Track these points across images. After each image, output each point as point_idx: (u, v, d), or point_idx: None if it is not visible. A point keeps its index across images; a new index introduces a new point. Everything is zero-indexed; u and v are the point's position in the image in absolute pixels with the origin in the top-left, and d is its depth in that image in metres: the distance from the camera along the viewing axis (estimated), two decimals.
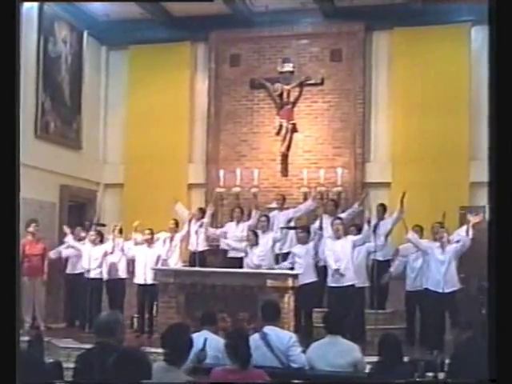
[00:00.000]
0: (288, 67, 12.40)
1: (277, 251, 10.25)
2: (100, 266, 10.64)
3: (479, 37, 11.55)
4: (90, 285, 10.47)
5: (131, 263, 10.82)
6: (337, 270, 9.43)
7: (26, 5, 10.81)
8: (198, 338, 5.38)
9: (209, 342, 5.40)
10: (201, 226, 11.10)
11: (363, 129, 12.21)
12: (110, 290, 10.88)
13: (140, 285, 10.46)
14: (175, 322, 6.89)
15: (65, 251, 11.16)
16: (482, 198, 10.16)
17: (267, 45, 12.74)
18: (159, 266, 10.11)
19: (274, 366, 5.63)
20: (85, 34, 12.78)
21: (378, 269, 9.93)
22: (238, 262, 10.52)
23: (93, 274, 10.53)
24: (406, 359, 5.71)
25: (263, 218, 10.73)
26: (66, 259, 11.27)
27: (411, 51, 11.96)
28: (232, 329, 6.37)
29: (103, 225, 10.97)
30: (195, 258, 10.76)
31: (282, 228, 10.45)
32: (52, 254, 11.02)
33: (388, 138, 12.20)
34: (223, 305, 8.57)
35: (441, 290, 9.14)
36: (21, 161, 3.40)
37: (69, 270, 11.21)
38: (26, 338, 6.40)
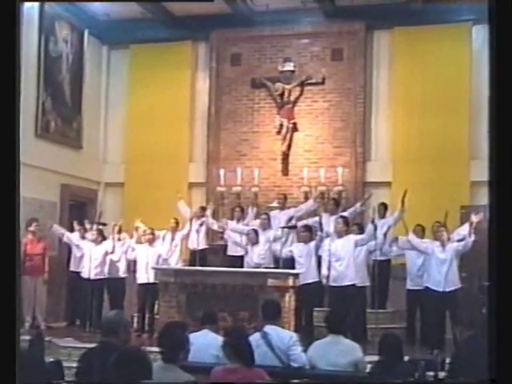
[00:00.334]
0: (289, 66, 12.40)
1: (278, 254, 10.22)
2: (101, 265, 10.64)
3: (480, 36, 11.54)
4: (91, 284, 10.47)
5: (132, 262, 10.83)
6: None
7: (26, 4, 10.81)
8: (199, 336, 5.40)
9: (209, 341, 5.42)
10: (201, 224, 11.11)
11: (364, 128, 12.21)
12: (110, 289, 10.88)
13: (141, 284, 10.46)
14: (171, 320, 6.91)
15: (66, 237, 11.11)
16: (483, 198, 10.15)
17: (268, 44, 12.74)
18: (160, 266, 10.12)
19: (274, 365, 5.63)
20: (85, 34, 12.77)
21: (378, 268, 9.92)
22: (239, 261, 10.53)
23: (94, 273, 10.52)
24: (406, 359, 5.71)
25: (264, 217, 10.74)
26: (69, 258, 11.29)
27: (412, 51, 11.96)
28: (231, 328, 6.36)
29: (104, 224, 10.97)
30: (196, 257, 10.78)
31: (283, 227, 10.44)
32: (55, 229, 10.98)
33: (389, 138, 12.20)
34: (224, 304, 8.58)
35: (441, 289, 9.13)
36: (21, 160, 3.40)
37: (71, 268, 11.19)
38: (27, 338, 6.40)
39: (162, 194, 12.02)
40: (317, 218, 10.53)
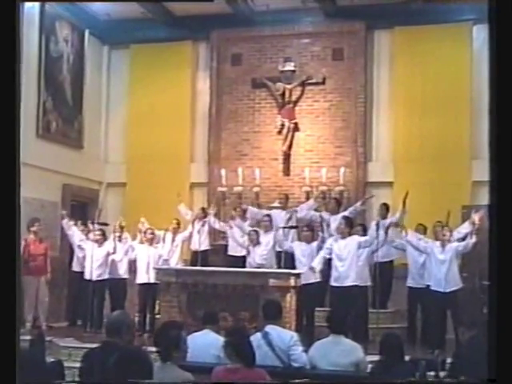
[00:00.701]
0: (289, 66, 12.40)
1: (278, 249, 10.24)
2: (102, 265, 10.63)
3: (480, 36, 11.53)
4: (93, 284, 10.46)
5: (133, 263, 10.82)
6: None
7: (27, 4, 10.82)
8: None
9: (210, 341, 5.41)
10: (203, 225, 11.11)
11: (365, 128, 12.21)
12: (111, 290, 10.87)
13: (142, 284, 10.46)
14: (168, 320, 6.91)
15: (72, 232, 10.99)
16: (484, 197, 10.12)
17: (269, 44, 12.75)
18: (161, 266, 10.12)
19: (275, 365, 5.64)
20: (86, 34, 12.77)
21: (380, 268, 9.91)
22: (241, 262, 10.53)
23: (96, 274, 10.51)
24: (407, 358, 5.71)
25: (266, 218, 10.73)
26: (71, 258, 11.29)
27: (412, 50, 11.95)
28: (232, 328, 6.36)
29: (106, 224, 10.97)
30: (197, 258, 10.78)
31: (285, 227, 10.43)
32: (65, 224, 10.85)
33: (390, 137, 12.19)
34: (225, 304, 8.57)
35: (442, 290, 9.12)
36: (22, 160, 3.40)
37: (74, 268, 11.19)
38: (28, 337, 6.41)
39: (163, 194, 12.02)
40: (317, 214, 10.51)
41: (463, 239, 9.54)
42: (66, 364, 6.20)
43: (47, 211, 11.43)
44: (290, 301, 8.66)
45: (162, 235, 10.82)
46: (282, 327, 6.24)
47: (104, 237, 10.75)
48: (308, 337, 8.07)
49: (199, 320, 6.88)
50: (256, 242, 10.20)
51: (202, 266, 10.51)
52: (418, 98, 11.82)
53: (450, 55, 11.74)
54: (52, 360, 6.37)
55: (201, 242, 10.98)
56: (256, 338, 5.58)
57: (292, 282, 8.83)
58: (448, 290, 9.11)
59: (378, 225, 9.62)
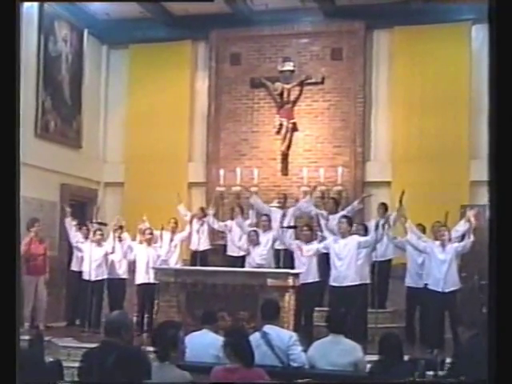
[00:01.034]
0: (288, 66, 12.40)
1: (278, 247, 10.26)
2: (101, 265, 10.62)
3: (480, 36, 11.54)
4: (91, 284, 10.46)
5: (132, 263, 10.82)
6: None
7: (26, 4, 10.81)
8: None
9: (209, 340, 5.41)
10: (202, 225, 11.12)
11: (363, 128, 12.22)
12: (110, 290, 10.87)
13: (140, 284, 10.46)
14: (166, 320, 6.91)
15: (73, 233, 10.90)
16: (483, 197, 10.13)
17: (267, 44, 12.75)
18: (160, 265, 10.12)
19: (274, 365, 5.63)
20: (85, 33, 12.77)
21: (378, 268, 9.91)
22: (240, 262, 10.54)
23: (94, 274, 10.51)
24: (406, 358, 5.71)
25: (264, 218, 10.74)
26: (69, 258, 11.28)
27: (411, 50, 11.96)
28: (231, 327, 6.36)
29: (104, 224, 10.97)
30: (197, 257, 10.78)
31: (283, 227, 10.42)
32: (67, 223, 10.78)
33: (388, 137, 12.20)
34: (224, 304, 8.58)
35: (441, 290, 9.12)
36: (21, 160, 3.40)
37: (73, 268, 11.17)
38: (26, 337, 6.40)
39: (161, 193, 12.02)
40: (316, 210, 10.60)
41: (462, 238, 9.55)
42: (64, 364, 6.19)
43: (46, 211, 11.43)
44: (288, 300, 8.66)
45: (159, 234, 10.81)
46: (281, 327, 6.24)
47: (102, 237, 10.75)
48: (307, 336, 8.08)
49: (198, 320, 6.88)
50: (256, 243, 10.20)
51: (202, 265, 10.52)
52: (416, 98, 11.83)
53: (449, 55, 11.74)
54: (51, 360, 6.35)
55: (200, 242, 10.99)
56: (255, 338, 5.58)
57: (291, 281, 8.83)
58: (447, 290, 9.11)
59: (377, 225, 9.62)
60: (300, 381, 5.43)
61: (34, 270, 10.29)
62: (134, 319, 10.40)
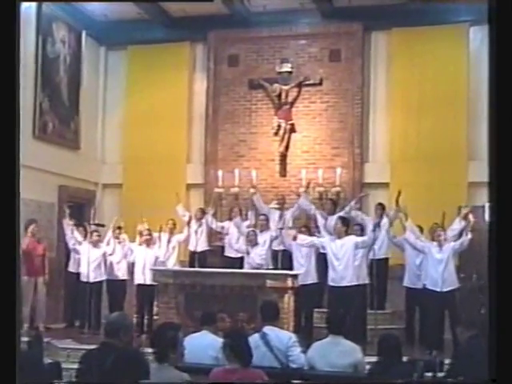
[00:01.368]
0: (286, 67, 12.39)
1: (277, 247, 10.27)
2: (99, 266, 10.61)
3: (477, 37, 11.57)
4: (90, 285, 10.45)
5: (131, 264, 10.81)
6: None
7: (23, 5, 10.78)
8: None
9: (208, 342, 5.39)
10: (200, 225, 11.12)
11: (361, 129, 12.22)
12: (110, 291, 10.88)
13: (139, 285, 10.46)
14: (165, 321, 6.91)
15: (70, 234, 10.88)
16: (481, 198, 10.16)
17: (266, 45, 12.74)
18: (158, 267, 10.11)
19: (273, 366, 5.63)
20: (83, 35, 12.75)
21: (376, 268, 9.92)
22: (238, 263, 10.53)
23: (92, 275, 10.50)
24: (405, 359, 5.71)
25: (262, 217, 10.74)
26: (67, 259, 11.26)
27: (409, 51, 11.97)
28: (230, 329, 6.36)
29: (102, 225, 10.96)
30: (195, 259, 10.78)
31: (281, 229, 10.42)
32: (65, 224, 10.81)
33: (386, 138, 12.20)
34: (223, 305, 8.55)
35: (439, 289, 9.14)
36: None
37: (70, 269, 11.16)
38: (26, 339, 6.39)
39: (159, 195, 12.01)
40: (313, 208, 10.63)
41: (459, 236, 9.58)
42: (63, 365, 6.20)
43: (44, 212, 11.42)
44: (287, 301, 8.66)
45: (157, 235, 10.81)
46: (281, 328, 6.23)
47: (100, 238, 10.74)
48: (306, 338, 8.08)
49: (197, 321, 6.88)
50: (254, 243, 10.20)
51: (201, 267, 10.51)
52: (414, 100, 11.84)
53: (447, 56, 11.75)
54: (50, 361, 6.36)
55: (199, 243, 11.00)
56: (254, 339, 5.58)
57: (290, 282, 8.83)
58: (445, 290, 9.13)
59: (374, 225, 9.63)
60: (297, 382, 5.43)
61: (32, 271, 10.28)
62: (134, 320, 10.42)
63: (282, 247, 10.34)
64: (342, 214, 10.69)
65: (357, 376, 5.66)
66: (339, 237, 9.56)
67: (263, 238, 10.33)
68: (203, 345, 5.88)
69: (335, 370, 5.62)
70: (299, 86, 12.39)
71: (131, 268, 10.80)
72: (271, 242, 10.28)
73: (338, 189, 11.72)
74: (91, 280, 10.46)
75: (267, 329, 5.89)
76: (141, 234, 10.68)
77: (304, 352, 5.85)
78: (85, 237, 10.88)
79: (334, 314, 6.65)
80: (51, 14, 11.78)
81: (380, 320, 9.81)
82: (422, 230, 10.11)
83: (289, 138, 12.29)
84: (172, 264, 10.72)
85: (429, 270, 9.37)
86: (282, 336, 5.90)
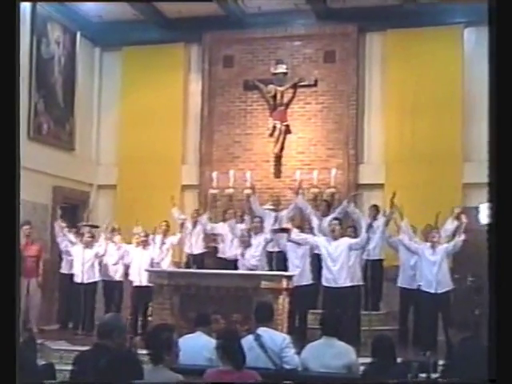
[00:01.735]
0: (281, 68, 12.40)
1: (272, 249, 10.27)
2: (92, 267, 10.57)
3: (472, 38, 11.61)
4: (83, 287, 10.42)
5: (127, 266, 10.80)
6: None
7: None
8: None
9: (202, 343, 5.38)
10: (194, 227, 11.13)
11: (356, 130, 12.23)
12: (106, 292, 10.86)
13: (134, 286, 10.44)
14: (159, 323, 6.90)
15: (62, 236, 10.83)
16: (476, 199, 10.17)
17: (260, 46, 12.75)
18: (153, 268, 10.11)
19: (267, 367, 5.62)
20: (78, 35, 12.74)
21: (371, 269, 9.93)
22: (232, 264, 10.52)
23: (86, 277, 10.47)
24: (399, 360, 5.72)
25: (257, 219, 10.73)
26: (60, 260, 11.24)
27: (404, 52, 11.98)
28: (223, 330, 6.35)
29: (96, 226, 10.94)
30: (191, 260, 10.77)
31: (276, 230, 10.41)
32: (57, 225, 10.74)
33: (381, 140, 12.21)
34: (217, 306, 8.55)
35: (433, 291, 9.16)
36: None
37: (63, 270, 11.13)
38: (19, 340, 6.37)
39: (154, 196, 12.02)
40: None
41: (453, 237, 9.61)
42: (57, 367, 6.18)
43: (39, 213, 11.40)
44: (282, 303, 8.65)
45: (151, 238, 10.80)
46: (274, 329, 6.22)
47: (93, 239, 10.71)
48: (300, 339, 8.07)
49: (191, 322, 6.86)
50: (248, 244, 10.19)
51: (198, 268, 10.51)
52: (409, 101, 11.86)
53: (442, 58, 11.76)
54: (43, 363, 6.34)
55: (195, 246, 11.00)
56: (248, 341, 5.57)
57: (284, 284, 8.82)
58: (439, 291, 9.16)
59: (368, 226, 9.65)
60: (290, 383, 5.42)
61: (25, 272, 10.21)
62: (128, 322, 10.40)
63: (276, 249, 10.32)
64: (335, 214, 10.70)
65: (351, 377, 5.65)
66: (335, 238, 9.56)
67: (257, 240, 10.31)
68: (197, 346, 5.87)
69: (329, 371, 5.62)
70: (294, 87, 12.39)
71: (127, 269, 10.78)
72: (266, 244, 10.27)
73: (332, 190, 11.73)
74: (85, 281, 10.42)
75: (261, 330, 5.88)
76: (136, 235, 10.67)
77: (298, 353, 5.84)
78: (80, 237, 10.85)
79: (328, 315, 6.64)
80: (46, 15, 11.77)
81: (374, 321, 9.83)
82: (415, 231, 10.14)
83: (284, 139, 12.29)
84: (166, 266, 10.70)
85: (423, 272, 9.40)
86: (276, 337, 5.89)
